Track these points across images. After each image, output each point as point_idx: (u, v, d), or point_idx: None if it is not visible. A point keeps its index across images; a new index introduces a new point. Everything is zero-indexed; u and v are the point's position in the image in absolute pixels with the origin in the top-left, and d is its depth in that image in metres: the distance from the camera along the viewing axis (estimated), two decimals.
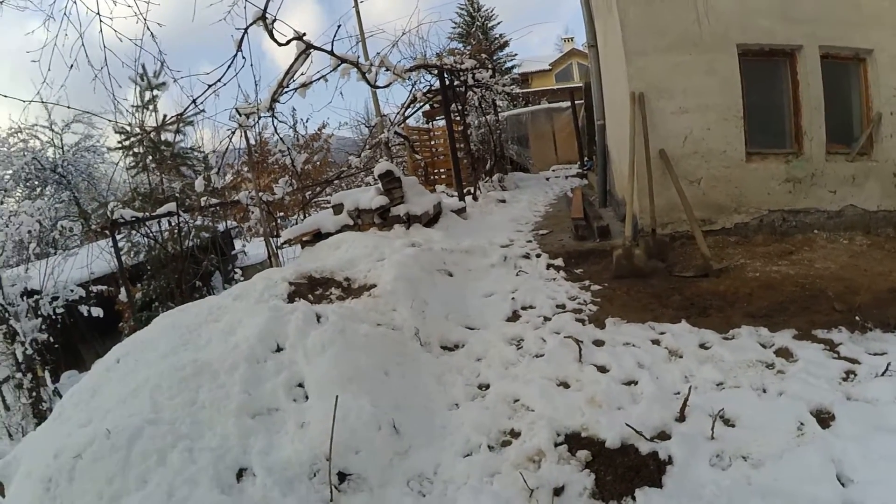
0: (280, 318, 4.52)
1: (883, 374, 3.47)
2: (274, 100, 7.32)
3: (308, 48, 7.15)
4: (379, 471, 3.26)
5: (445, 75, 10.72)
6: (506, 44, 34.25)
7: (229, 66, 6.33)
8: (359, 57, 7.79)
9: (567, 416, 3.31)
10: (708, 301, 5.06)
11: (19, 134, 17.01)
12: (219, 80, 6.34)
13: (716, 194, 6.70)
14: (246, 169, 13.39)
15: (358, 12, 14.08)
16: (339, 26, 7.86)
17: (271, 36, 6.68)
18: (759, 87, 6.95)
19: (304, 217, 10.90)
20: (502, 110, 17.65)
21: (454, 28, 33.99)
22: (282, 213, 13.00)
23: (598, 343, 4.36)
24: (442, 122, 14.20)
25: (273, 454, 3.33)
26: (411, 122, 14.15)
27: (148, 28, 5.51)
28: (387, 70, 8.43)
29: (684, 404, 3.24)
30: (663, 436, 3.07)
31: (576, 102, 15.97)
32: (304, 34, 7.08)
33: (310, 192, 12.11)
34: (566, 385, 3.75)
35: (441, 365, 4.33)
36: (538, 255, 6.46)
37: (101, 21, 5.30)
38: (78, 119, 17.95)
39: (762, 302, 4.92)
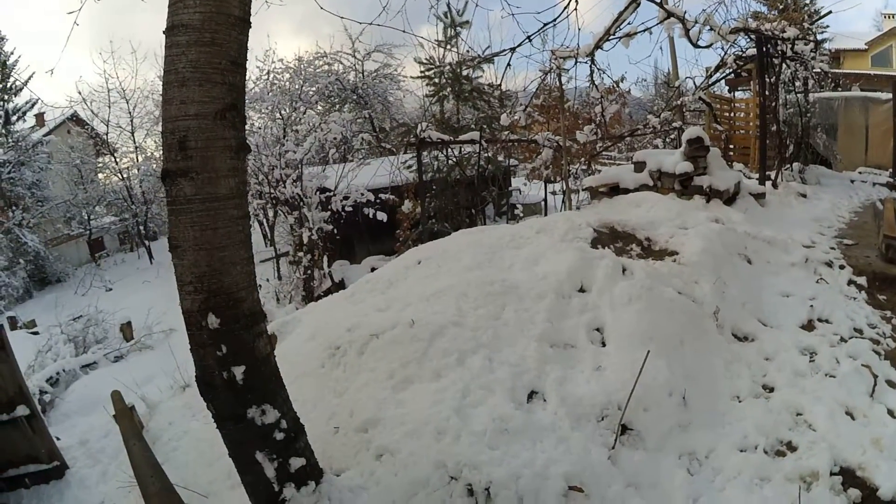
0: (588, 260, 4.76)
1: None
2: (598, 46, 7.34)
3: None
4: (658, 435, 3.38)
5: (763, 43, 9.95)
6: (819, 14, 30.44)
7: (565, 7, 6.43)
8: (685, 12, 7.47)
9: (847, 449, 3.16)
10: None
11: (325, 58, 19.04)
12: (555, 20, 6.48)
13: None
14: (538, 112, 13.70)
15: None
16: None
17: None
18: None
19: (589, 167, 10.96)
20: (812, 91, 15.75)
21: None
22: (566, 161, 13.18)
23: (892, 384, 3.92)
24: (744, 94, 13.28)
25: (567, 386, 3.55)
26: (713, 89, 13.39)
27: None
28: (710, 29, 8.02)
29: None
30: None
31: None
32: None
33: (600, 145, 12.05)
34: (852, 416, 3.52)
35: (731, 353, 4.27)
36: (841, 267, 5.86)
37: None
38: (378, 49, 19.73)
39: None
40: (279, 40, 54.83)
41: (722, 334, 4.41)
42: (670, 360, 3.77)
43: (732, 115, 13.03)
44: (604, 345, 4.01)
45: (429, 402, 3.33)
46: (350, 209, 10.81)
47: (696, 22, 7.79)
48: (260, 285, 11.15)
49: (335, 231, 10.92)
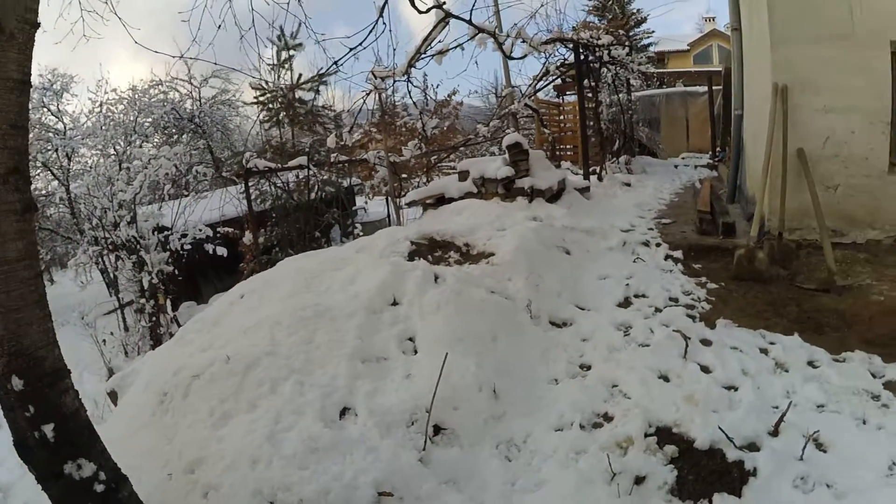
0: (400, 273, 4.82)
1: None
2: (410, 65, 7.48)
3: (447, 16, 7.24)
4: (472, 430, 3.47)
5: (581, 50, 10.56)
6: (644, 20, 32.88)
7: (370, 32, 6.52)
8: (496, 27, 7.80)
9: (662, 410, 3.35)
10: (825, 318, 4.84)
11: (160, 86, 18.14)
12: (359, 45, 6.54)
13: (851, 205, 6.27)
14: (375, 130, 13.80)
15: None
16: None
17: (412, 3, 6.82)
18: None
19: (428, 180, 11.16)
20: (636, 90, 17.10)
21: (590, 1, 32.98)
22: (405, 175, 13.32)
23: (706, 342, 4.31)
24: (572, 98, 13.99)
25: (377, 398, 3.59)
26: (542, 95, 14.02)
27: None
28: (523, 41, 8.40)
29: (780, 420, 3.20)
30: (753, 447, 3.04)
31: (713, 88, 15.09)
32: (444, 2, 7.17)
33: (435, 157, 12.30)
34: (667, 379, 3.77)
35: (548, 340, 4.47)
36: (658, 245, 6.41)
37: None
38: (216, 74, 19.01)
39: (882, 329, 4.60)
40: (115, 67, 52.89)
41: (539, 325, 4.60)
42: (480, 357, 3.89)
43: (562, 117, 13.74)
44: (416, 353, 4.09)
45: (243, 434, 3.29)
46: (190, 247, 10.48)
47: (507, 36, 8.14)
48: (104, 340, 10.66)
49: (176, 272, 10.54)
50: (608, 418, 3.44)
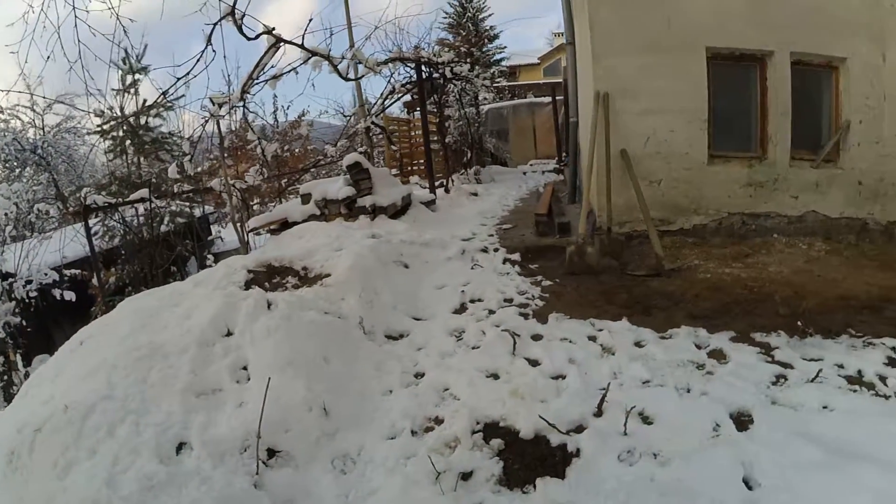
0: (233, 304, 4.70)
1: (812, 381, 3.58)
2: (244, 91, 7.42)
3: (278, 42, 7.25)
4: (306, 449, 3.44)
5: (423, 67, 10.79)
6: (496, 36, 34.20)
7: (198, 60, 6.45)
8: (330, 49, 7.83)
9: (489, 406, 3.46)
10: (654, 300, 5.18)
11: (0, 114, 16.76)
12: (188, 73, 6.45)
13: (675, 195, 6.83)
14: (225, 155, 13.39)
15: (347, 7, 14.17)
16: (310, 20, 7.93)
17: (240, 31, 6.78)
18: (728, 91, 7.05)
19: (280, 204, 10.95)
20: (487, 103, 17.73)
21: (445, 18, 33.87)
22: (258, 201, 13.03)
23: (537, 337, 4.49)
24: None
25: (211, 430, 3.51)
26: (397, 111, 14.18)
27: (121, 23, 5.61)
28: (359, 63, 8.50)
29: (602, 399, 3.39)
30: (580, 429, 3.19)
31: (558, 98, 16.05)
32: (274, 28, 7.17)
33: (286, 180, 12.14)
34: (496, 377, 3.89)
35: (383, 353, 4.49)
36: (496, 250, 6.62)
37: (76, 17, 5.39)
38: (60, 100, 17.59)
39: (707, 303, 5.04)
40: None
41: (374, 339, 4.63)
42: (311, 379, 3.87)
43: (413, 133, 13.97)
44: (249, 380, 4.03)
45: (85, 481, 3.15)
46: (36, 294, 9.77)
47: (342, 58, 8.21)
48: None
49: (24, 322, 9.78)
50: (439, 421, 3.50)
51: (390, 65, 10.35)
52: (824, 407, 3.29)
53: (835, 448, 2.84)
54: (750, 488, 2.67)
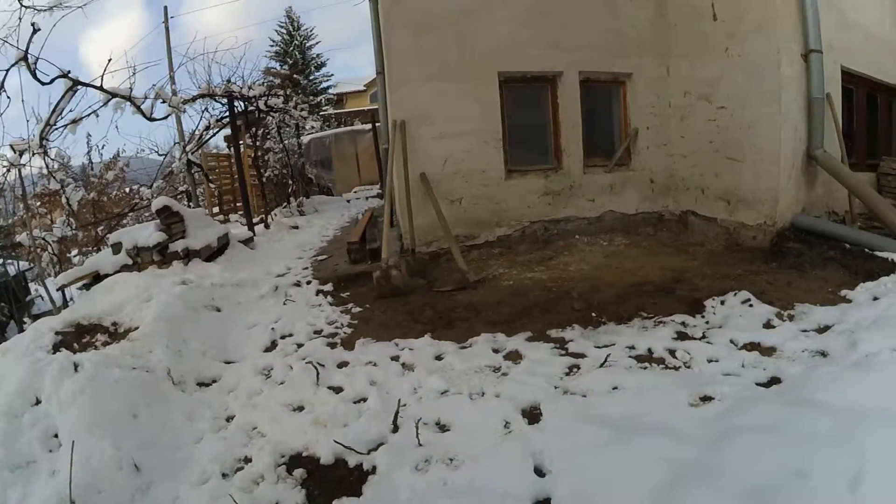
0: (39, 370, 4.45)
1: (601, 366, 3.94)
2: (42, 137, 7.09)
3: (76, 84, 7.02)
4: None
5: (237, 102, 10.67)
6: (322, 64, 34.36)
7: None
8: (131, 89, 7.64)
9: (292, 438, 3.57)
10: (457, 313, 5.46)
11: None
12: None
13: (477, 211, 7.27)
14: (39, 204, 12.51)
15: (168, 37, 13.85)
16: (109, 60, 7.70)
17: (34, 76, 6.55)
18: (522, 110, 7.63)
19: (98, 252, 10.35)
20: (315, 131, 17.78)
21: (272, 46, 33.58)
22: (75, 251, 12.28)
23: (343, 364, 4.60)
24: (244, 148, 14.03)
25: (27, 503, 3.36)
26: (222, 145, 13.86)
27: None
28: (163, 102, 8.33)
29: (395, 416, 3.59)
30: (378, 447, 3.35)
31: (377, 124, 16.41)
32: (70, 71, 6.95)
33: (102, 227, 11.53)
34: (301, 409, 3.98)
35: (194, 402, 4.43)
36: (308, 283, 6.64)
37: None
38: None
39: (508, 309, 5.39)
40: None
41: (185, 389, 4.57)
42: (119, 437, 3.79)
43: (233, 169, 13.70)
44: (61, 447, 3.89)
45: None
46: None
47: (146, 97, 8.02)
48: None
49: None
50: (247, 460, 3.55)
51: (202, 100, 10.16)
52: (614, 388, 3.61)
53: (623, 425, 3.09)
54: (542, 475, 2.85)
